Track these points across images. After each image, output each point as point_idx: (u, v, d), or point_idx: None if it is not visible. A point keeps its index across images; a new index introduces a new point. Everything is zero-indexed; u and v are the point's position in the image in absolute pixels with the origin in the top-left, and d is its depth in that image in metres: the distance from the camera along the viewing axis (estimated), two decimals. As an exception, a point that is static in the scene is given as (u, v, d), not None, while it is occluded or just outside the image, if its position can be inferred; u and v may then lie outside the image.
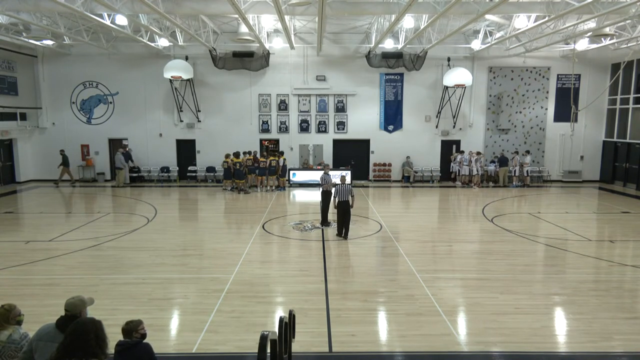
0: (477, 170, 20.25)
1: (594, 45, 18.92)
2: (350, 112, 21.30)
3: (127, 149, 20.68)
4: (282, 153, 19.93)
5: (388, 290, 8.05)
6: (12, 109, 19.46)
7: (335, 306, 7.32)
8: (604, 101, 21.23)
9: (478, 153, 20.60)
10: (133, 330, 3.99)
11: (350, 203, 11.45)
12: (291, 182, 20.27)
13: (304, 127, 21.39)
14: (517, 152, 20.84)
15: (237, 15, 13.49)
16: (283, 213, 14.85)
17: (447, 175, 21.64)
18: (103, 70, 20.82)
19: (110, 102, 21.11)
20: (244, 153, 19.42)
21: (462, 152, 20.94)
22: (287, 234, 12.08)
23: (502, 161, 20.55)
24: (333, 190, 11.74)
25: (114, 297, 7.65)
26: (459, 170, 20.85)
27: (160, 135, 21.26)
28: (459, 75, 19.51)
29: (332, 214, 12.54)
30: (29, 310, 6.54)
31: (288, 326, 4.76)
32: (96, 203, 17.02)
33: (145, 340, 4.03)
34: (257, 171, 19.16)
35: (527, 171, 20.49)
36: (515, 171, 20.61)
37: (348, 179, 18.47)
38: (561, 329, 6.72)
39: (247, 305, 7.37)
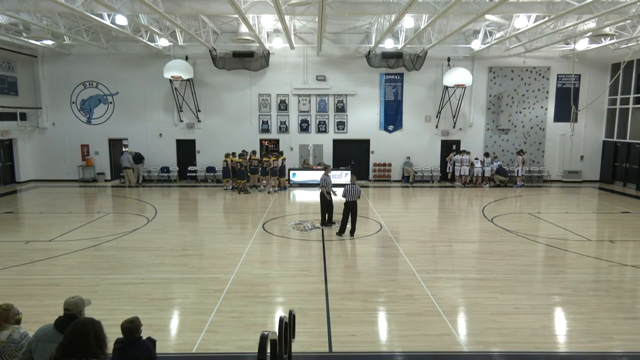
0: (484, 171, 20.40)
1: (594, 45, 18.91)
2: (350, 112, 21.29)
3: (134, 152, 20.62)
4: (281, 153, 19.94)
5: (388, 290, 8.05)
6: (12, 109, 19.46)
7: (335, 306, 7.32)
8: (604, 101, 21.22)
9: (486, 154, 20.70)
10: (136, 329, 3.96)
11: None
12: (291, 182, 20.26)
13: (304, 127, 21.38)
14: (519, 153, 20.84)
15: (237, 15, 13.49)
16: (283, 213, 14.85)
17: (446, 175, 21.61)
18: (103, 70, 20.82)
19: (110, 102, 21.11)
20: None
21: (463, 151, 20.90)
22: (287, 234, 12.08)
23: (500, 172, 20.55)
24: (342, 190, 11.88)
25: (114, 297, 7.65)
26: (459, 170, 20.84)
27: (160, 135, 21.26)
28: (459, 75, 19.51)
29: (337, 214, 12.56)
30: (29, 311, 6.57)
31: (288, 326, 4.76)
32: (96, 203, 17.04)
33: (145, 337, 4.01)
34: (262, 171, 19.15)
35: (518, 170, 20.51)
36: (518, 171, 20.62)
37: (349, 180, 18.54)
38: (561, 329, 6.72)
39: (247, 305, 7.37)
